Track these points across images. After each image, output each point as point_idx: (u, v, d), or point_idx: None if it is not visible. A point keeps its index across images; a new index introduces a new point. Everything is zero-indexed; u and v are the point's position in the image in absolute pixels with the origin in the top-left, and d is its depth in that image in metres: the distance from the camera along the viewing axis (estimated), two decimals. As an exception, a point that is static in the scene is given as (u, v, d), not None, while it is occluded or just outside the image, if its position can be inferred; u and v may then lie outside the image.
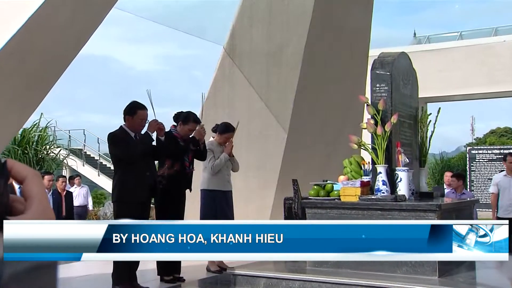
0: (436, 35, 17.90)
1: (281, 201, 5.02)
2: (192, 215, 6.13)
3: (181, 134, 4.88)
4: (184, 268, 4.91)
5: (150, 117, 4.52)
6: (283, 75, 7.09)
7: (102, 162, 20.46)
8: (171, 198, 4.74)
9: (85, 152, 20.88)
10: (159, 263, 4.77)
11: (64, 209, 8.75)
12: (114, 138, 4.44)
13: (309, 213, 4.17)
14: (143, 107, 4.48)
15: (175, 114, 5.01)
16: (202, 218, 5.18)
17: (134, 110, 4.44)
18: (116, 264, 4.32)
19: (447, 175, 7.36)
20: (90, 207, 11.46)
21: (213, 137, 5.39)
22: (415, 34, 18.24)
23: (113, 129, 4.55)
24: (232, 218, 5.29)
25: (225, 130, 5.37)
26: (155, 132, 4.53)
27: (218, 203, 5.21)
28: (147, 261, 5.43)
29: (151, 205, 4.76)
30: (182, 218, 4.85)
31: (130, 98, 4.86)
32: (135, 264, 4.40)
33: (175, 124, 4.95)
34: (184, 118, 4.88)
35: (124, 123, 4.48)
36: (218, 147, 5.34)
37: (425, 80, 9.51)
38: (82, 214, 10.68)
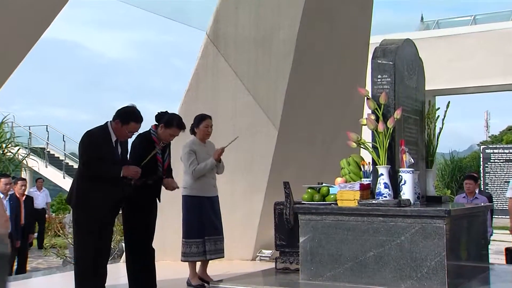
0: (446, 19, 18.03)
1: (271, 206, 5.05)
2: (172, 223, 6.14)
3: (161, 137, 4.90)
4: (161, 283, 4.92)
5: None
6: (273, 64, 7.11)
7: (68, 163, 20.36)
8: (140, 208, 4.76)
9: (49, 152, 20.77)
10: (131, 279, 4.78)
11: (23, 216, 8.71)
12: (92, 140, 4.42)
13: (303, 220, 4.20)
14: (139, 120, 4.49)
15: (158, 113, 5.02)
16: (186, 227, 5.20)
17: (128, 121, 4.43)
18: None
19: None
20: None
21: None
22: (422, 18, 18.36)
23: (81, 125, 4.56)
24: (221, 228, 5.32)
25: (200, 119, 5.37)
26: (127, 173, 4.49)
27: (203, 211, 5.23)
28: (118, 276, 5.44)
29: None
30: (152, 229, 4.87)
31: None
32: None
33: (156, 124, 4.95)
34: (167, 121, 4.90)
35: (111, 121, 4.46)
36: (200, 146, 5.35)
37: (433, 71, 9.59)
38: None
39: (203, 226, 5.18)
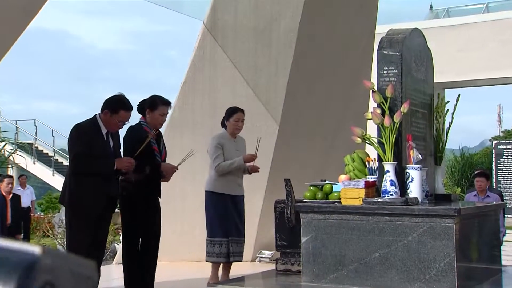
0: (456, 7, 18.00)
1: (272, 205, 5.06)
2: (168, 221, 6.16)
3: (152, 123, 4.88)
4: (161, 284, 4.93)
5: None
6: (274, 56, 7.12)
7: (57, 159, 20.38)
8: (140, 207, 4.75)
9: (37, 147, 20.79)
10: (127, 281, 4.79)
11: (10, 215, 8.73)
12: (81, 133, 4.43)
13: (304, 219, 4.21)
14: (129, 108, 4.49)
15: (138, 104, 4.97)
16: (209, 224, 5.25)
17: (117, 109, 4.43)
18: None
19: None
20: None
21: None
22: (431, 6, 18.34)
23: (71, 120, 4.58)
24: (243, 230, 5.36)
25: (231, 112, 5.41)
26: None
27: (228, 210, 5.28)
28: (111, 278, 5.46)
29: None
30: (156, 229, 4.85)
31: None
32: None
33: (143, 115, 4.94)
34: (150, 104, 4.89)
35: (100, 113, 4.47)
36: (230, 141, 5.37)
37: (442, 62, 9.60)
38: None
39: (228, 225, 5.24)
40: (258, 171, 5.55)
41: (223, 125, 5.46)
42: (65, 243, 4.65)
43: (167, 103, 4.95)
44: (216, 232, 5.19)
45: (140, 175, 4.66)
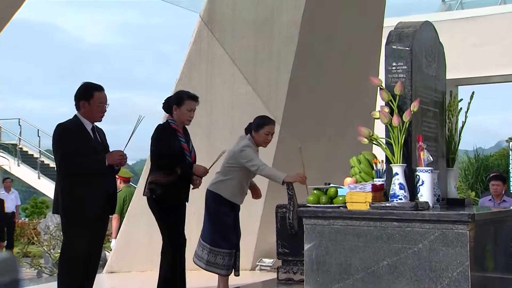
0: (471, -1, 17.98)
1: (273, 210, 5.07)
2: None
3: (179, 121, 4.97)
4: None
5: (121, 146, 4.60)
6: (275, 50, 7.13)
7: (43, 161, 20.37)
8: (170, 210, 4.85)
9: (21, 148, 20.78)
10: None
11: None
12: (65, 132, 4.46)
13: (308, 225, 4.21)
14: (101, 88, 4.55)
15: (164, 102, 5.09)
16: (215, 230, 5.23)
17: (91, 93, 4.49)
18: None
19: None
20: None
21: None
22: (443, -3, 18.33)
23: (58, 119, 4.60)
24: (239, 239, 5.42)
25: (263, 123, 5.36)
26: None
27: (235, 219, 5.35)
28: None
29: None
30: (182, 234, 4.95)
31: (79, 79, 4.97)
32: None
33: (169, 113, 5.04)
34: (177, 100, 4.98)
35: (78, 111, 4.51)
36: (256, 151, 5.36)
37: (455, 57, 9.60)
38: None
39: (235, 236, 5.27)
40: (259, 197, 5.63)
41: (248, 131, 5.39)
42: (60, 253, 4.63)
43: (194, 98, 5.03)
44: (221, 243, 5.19)
45: (172, 177, 4.74)
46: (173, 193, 4.80)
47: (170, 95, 5.16)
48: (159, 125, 4.98)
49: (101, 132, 4.68)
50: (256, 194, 5.59)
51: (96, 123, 4.62)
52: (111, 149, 4.64)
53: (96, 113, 4.53)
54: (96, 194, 4.41)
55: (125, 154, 4.55)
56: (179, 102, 4.95)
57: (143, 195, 4.93)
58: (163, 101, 5.12)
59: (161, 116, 5.96)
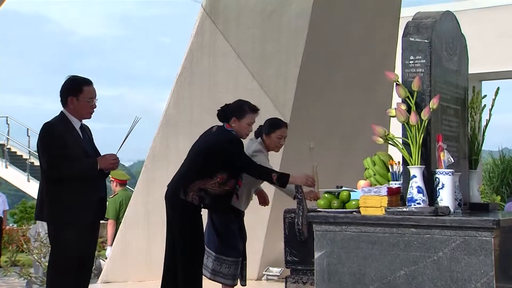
0: (495, -13, 17.92)
1: (280, 214, 5.07)
2: (161, 235, 6.17)
3: (239, 134, 5.09)
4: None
5: (115, 147, 4.66)
6: (283, 43, 7.13)
7: (33, 163, 20.43)
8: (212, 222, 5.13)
9: (9, 149, 20.85)
10: None
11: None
12: (54, 132, 4.47)
13: (318, 231, 4.22)
14: (90, 82, 4.56)
15: (220, 111, 5.17)
16: (220, 237, 5.30)
17: (79, 87, 4.50)
18: None
19: None
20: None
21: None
22: (466, -15, 18.28)
23: (48, 117, 4.62)
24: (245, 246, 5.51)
25: (274, 126, 5.42)
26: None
27: (241, 225, 5.46)
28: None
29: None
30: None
31: (70, 73, 5.00)
32: None
33: (226, 122, 5.15)
34: (238, 112, 5.09)
35: (64, 107, 4.53)
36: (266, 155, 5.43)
37: (479, 50, 9.57)
38: None
39: (242, 244, 5.32)
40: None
41: (259, 135, 5.43)
42: (48, 263, 4.64)
43: (256, 111, 5.15)
44: (227, 250, 5.23)
45: (223, 190, 4.96)
46: (222, 205, 5.03)
47: (228, 103, 5.23)
48: (232, 134, 5.07)
49: (88, 131, 4.69)
50: (264, 200, 5.62)
51: (84, 121, 4.63)
52: (102, 150, 4.66)
53: (85, 109, 4.54)
54: (87, 200, 4.42)
55: (118, 158, 4.56)
56: (241, 115, 5.07)
57: (187, 199, 4.96)
58: (219, 109, 5.19)
59: (159, 115, 5.98)
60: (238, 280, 5.33)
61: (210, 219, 5.32)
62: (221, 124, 5.21)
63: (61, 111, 4.56)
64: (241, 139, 5.16)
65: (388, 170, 4.45)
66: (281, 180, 4.98)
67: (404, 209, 3.99)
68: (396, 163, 4.35)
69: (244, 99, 5.27)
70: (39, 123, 4.57)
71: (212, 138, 5.11)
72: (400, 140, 4.18)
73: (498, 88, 5.08)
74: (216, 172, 4.97)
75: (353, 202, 4.31)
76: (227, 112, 5.13)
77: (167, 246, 5.10)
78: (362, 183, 4.54)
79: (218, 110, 5.20)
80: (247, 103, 5.17)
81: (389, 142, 4.24)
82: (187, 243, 4.98)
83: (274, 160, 7.00)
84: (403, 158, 4.17)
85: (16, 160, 20.66)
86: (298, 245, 4.89)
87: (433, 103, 4.12)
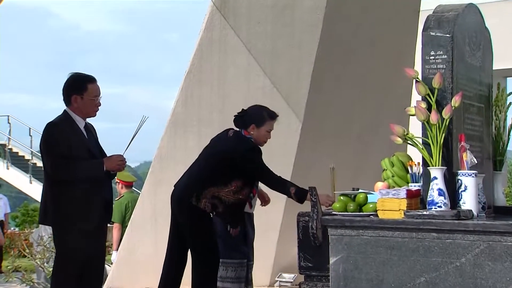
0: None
1: (294, 218, 5.06)
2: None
3: (258, 141, 5.13)
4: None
5: (121, 147, 4.68)
6: (296, 38, 7.12)
7: (35, 164, 20.53)
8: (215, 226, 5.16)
9: (11, 149, 20.96)
10: None
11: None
12: (58, 133, 4.49)
13: (334, 235, 4.21)
14: (94, 79, 4.57)
15: (238, 117, 5.17)
16: (223, 239, 5.32)
17: (83, 85, 4.51)
18: None
19: None
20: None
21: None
22: (488, -23, 18.21)
23: (51, 116, 4.63)
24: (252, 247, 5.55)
25: (264, 118, 5.28)
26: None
27: (246, 226, 5.49)
28: None
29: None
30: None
31: (74, 70, 5.00)
32: None
33: (244, 129, 5.17)
34: (258, 119, 5.12)
35: (68, 106, 4.54)
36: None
37: (504, 45, 9.52)
38: None
39: (247, 246, 5.35)
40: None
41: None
42: (53, 269, 4.65)
43: (274, 117, 5.19)
44: (231, 253, 5.24)
45: (237, 198, 5.02)
46: (235, 215, 5.09)
47: (245, 109, 5.24)
48: (252, 142, 5.09)
49: (93, 130, 4.70)
50: (264, 199, 5.65)
51: (88, 120, 4.64)
52: (107, 150, 4.67)
53: (90, 108, 4.55)
54: (92, 203, 4.43)
55: (125, 159, 4.57)
56: (260, 122, 5.11)
57: (199, 205, 4.98)
58: (237, 115, 5.19)
59: (164, 113, 5.98)
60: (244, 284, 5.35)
61: (212, 223, 5.33)
62: (236, 128, 5.21)
63: (65, 110, 4.57)
64: (261, 146, 5.22)
65: (407, 172, 4.43)
66: (299, 195, 4.99)
67: (424, 213, 3.98)
68: (415, 164, 4.34)
69: (261, 104, 5.29)
70: (41, 122, 4.60)
71: (230, 143, 5.09)
72: (420, 140, 4.17)
73: (524, 85, 5.06)
74: (231, 179, 4.99)
75: (370, 205, 4.30)
76: (245, 119, 5.12)
77: (171, 242, 5.13)
78: (379, 185, 4.53)
79: (235, 116, 5.19)
80: (266, 109, 5.18)
81: (409, 142, 4.23)
82: (199, 243, 5.02)
83: (287, 161, 7.00)
84: (423, 158, 4.16)
85: (17, 161, 20.77)
86: (312, 250, 4.88)
87: (455, 101, 4.10)
